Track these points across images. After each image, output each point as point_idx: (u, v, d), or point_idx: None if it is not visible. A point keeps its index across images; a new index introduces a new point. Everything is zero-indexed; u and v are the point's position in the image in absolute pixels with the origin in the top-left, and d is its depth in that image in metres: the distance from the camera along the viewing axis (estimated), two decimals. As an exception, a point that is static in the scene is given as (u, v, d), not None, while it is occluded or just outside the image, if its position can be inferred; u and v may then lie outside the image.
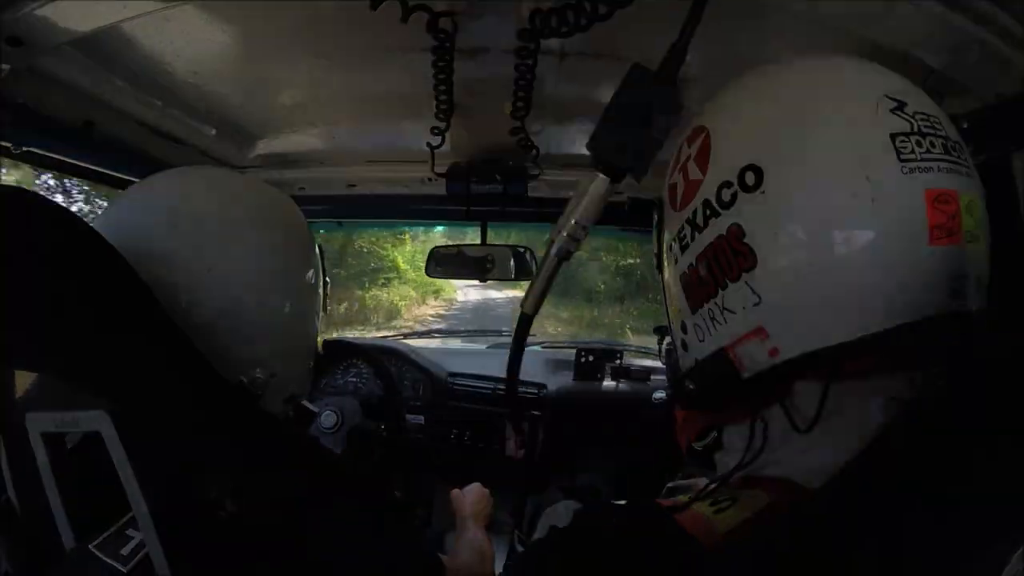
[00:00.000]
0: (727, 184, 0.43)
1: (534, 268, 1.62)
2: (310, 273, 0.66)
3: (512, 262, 1.58)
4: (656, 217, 0.55)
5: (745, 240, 0.42)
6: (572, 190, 1.52)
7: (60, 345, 0.45)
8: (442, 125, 1.03)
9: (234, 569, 0.45)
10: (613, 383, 1.77)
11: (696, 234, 0.45)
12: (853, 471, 0.31)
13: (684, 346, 0.50)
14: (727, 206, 0.43)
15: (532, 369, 1.84)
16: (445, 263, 1.62)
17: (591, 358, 1.77)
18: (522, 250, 1.62)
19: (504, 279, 1.61)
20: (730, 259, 0.43)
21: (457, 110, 0.97)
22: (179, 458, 0.45)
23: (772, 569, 0.33)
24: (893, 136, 0.40)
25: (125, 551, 0.44)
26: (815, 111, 0.42)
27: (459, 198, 1.29)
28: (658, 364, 1.74)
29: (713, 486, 0.46)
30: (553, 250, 0.45)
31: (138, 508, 0.43)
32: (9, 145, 0.78)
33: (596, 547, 0.42)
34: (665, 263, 0.52)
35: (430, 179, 1.29)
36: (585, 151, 1.48)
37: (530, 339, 2.43)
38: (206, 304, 0.53)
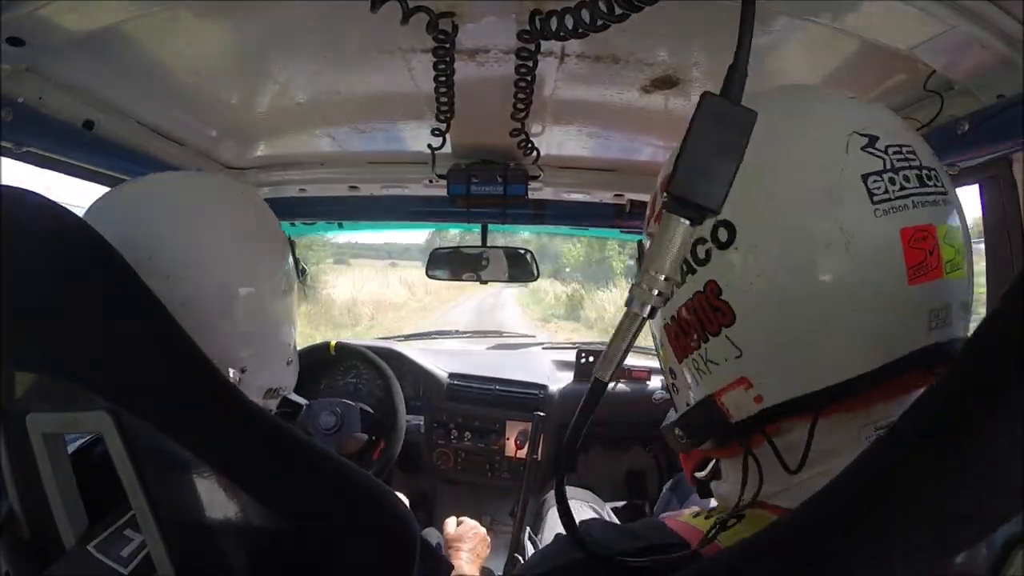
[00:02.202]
0: (701, 240, 0.42)
1: (534, 269, 1.62)
2: (279, 271, 0.68)
3: (512, 264, 1.59)
4: (639, 263, 0.54)
5: (722, 297, 0.41)
6: (573, 192, 1.51)
7: (59, 344, 0.45)
8: (442, 127, 1.03)
9: (238, 570, 0.45)
10: (613, 383, 1.76)
11: (674, 288, 0.45)
12: (823, 494, 0.31)
13: (675, 388, 0.51)
14: (703, 263, 0.42)
15: (532, 370, 1.85)
16: (445, 265, 1.62)
17: (591, 358, 1.77)
18: (522, 251, 1.62)
19: (503, 280, 1.61)
20: (709, 315, 0.43)
21: (457, 111, 0.97)
22: (180, 457, 0.44)
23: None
24: (865, 177, 0.39)
25: (125, 552, 0.44)
26: (783, 159, 0.41)
27: (460, 200, 1.29)
28: (658, 364, 1.74)
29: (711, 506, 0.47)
30: (636, 308, 0.36)
31: (140, 509, 0.43)
32: (10, 145, 0.78)
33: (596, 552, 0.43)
34: None
35: (431, 181, 1.29)
36: (585, 153, 1.47)
37: (530, 340, 2.45)
38: (169, 302, 0.54)
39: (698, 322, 0.43)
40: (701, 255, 0.42)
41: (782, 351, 0.40)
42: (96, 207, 0.61)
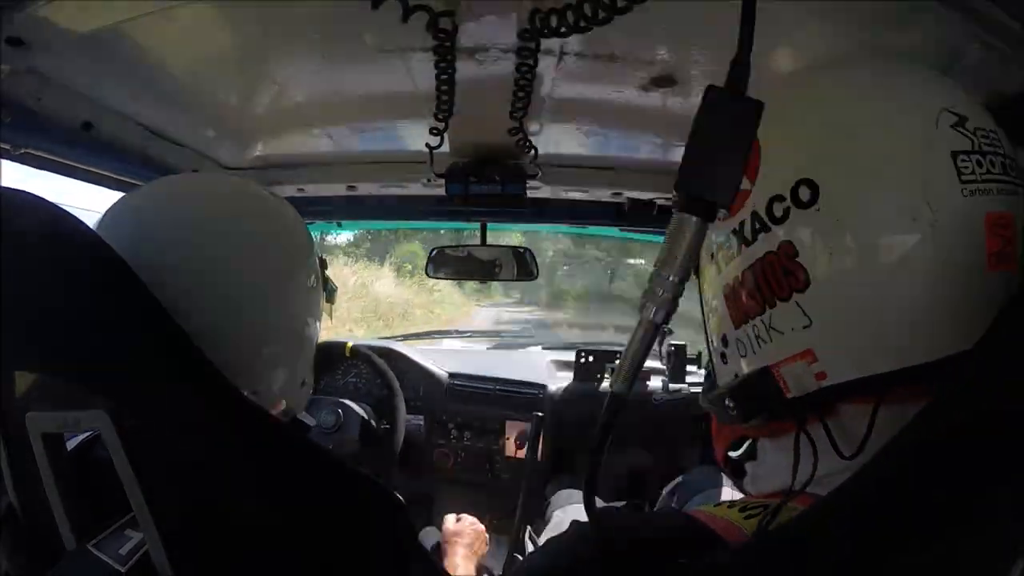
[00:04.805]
0: (779, 198, 0.41)
1: (534, 268, 1.62)
2: (307, 282, 0.65)
3: (513, 263, 1.59)
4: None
5: (798, 259, 0.40)
6: (571, 191, 1.50)
7: (58, 344, 0.45)
8: (441, 126, 1.03)
9: (236, 569, 0.45)
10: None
11: (743, 247, 0.43)
12: (859, 478, 0.30)
13: (723, 358, 0.49)
14: (779, 221, 0.41)
15: (532, 370, 1.85)
16: (446, 264, 1.62)
17: (591, 359, 1.77)
18: (522, 251, 1.62)
19: (505, 280, 1.61)
20: (780, 277, 0.41)
21: (456, 110, 0.97)
22: (180, 457, 0.44)
23: (786, 567, 0.32)
24: (955, 155, 0.38)
25: (124, 551, 0.44)
26: (873, 124, 0.40)
27: (458, 199, 1.29)
28: (658, 364, 1.74)
29: (739, 496, 0.46)
30: (649, 315, 0.35)
31: (139, 508, 0.43)
32: (8, 146, 0.78)
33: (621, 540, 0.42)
34: (704, 270, 0.50)
35: (429, 180, 1.29)
36: (583, 151, 1.47)
37: (529, 340, 2.45)
38: (188, 316, 0.52)
39: (767, 285, 0.41)
40: (778, 213, 0.41)
41: (855, 326, 0.39)
42: (110, 213, 0.59)
